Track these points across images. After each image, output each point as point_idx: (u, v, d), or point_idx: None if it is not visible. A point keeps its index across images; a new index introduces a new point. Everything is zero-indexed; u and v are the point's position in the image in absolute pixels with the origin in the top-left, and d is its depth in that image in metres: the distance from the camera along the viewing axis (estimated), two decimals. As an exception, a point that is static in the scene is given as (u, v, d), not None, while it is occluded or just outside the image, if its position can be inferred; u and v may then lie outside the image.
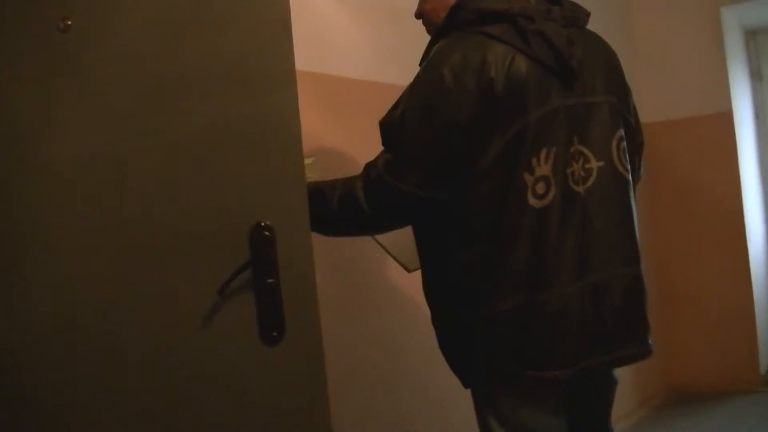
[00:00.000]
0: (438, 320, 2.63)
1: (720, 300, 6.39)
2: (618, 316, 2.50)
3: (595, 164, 2.49)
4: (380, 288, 3.81)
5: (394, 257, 2.97)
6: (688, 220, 6.34)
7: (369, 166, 2.52)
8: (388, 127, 2.52)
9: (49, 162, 2.05)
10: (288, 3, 2.22)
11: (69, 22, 2.02)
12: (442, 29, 2.58)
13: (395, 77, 3.86)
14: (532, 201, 2.39)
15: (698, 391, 6.28)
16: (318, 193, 2.51)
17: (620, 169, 2.56)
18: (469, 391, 2.61)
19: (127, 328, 2.04)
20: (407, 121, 2.44)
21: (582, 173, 2.47)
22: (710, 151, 6.33)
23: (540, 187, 2.40)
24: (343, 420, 3.34)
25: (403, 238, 2.82)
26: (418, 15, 2.80)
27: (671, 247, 6.38)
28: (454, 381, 2.60)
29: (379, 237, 2.93)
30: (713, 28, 6.48)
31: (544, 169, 2.40)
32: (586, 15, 2.64)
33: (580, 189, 2.46)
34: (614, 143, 2.55)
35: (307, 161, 2.73)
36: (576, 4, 2.65)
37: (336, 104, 3.51)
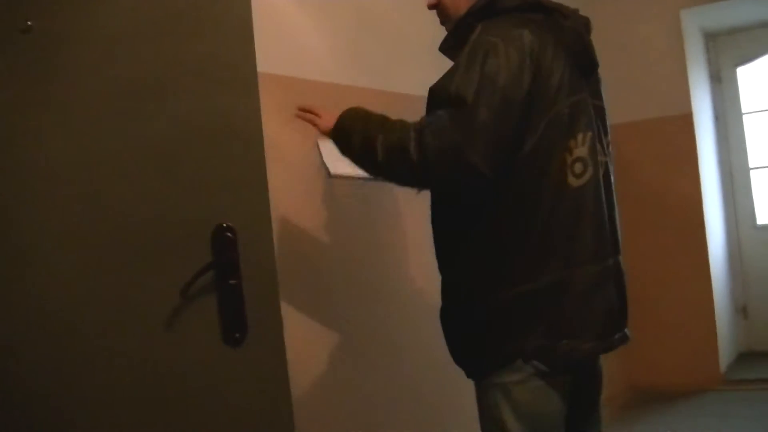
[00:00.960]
0: (458, 305, 2.62)
1: (681, 300, 6.43)
2: (621, 300, 2.64)
3: (603, 158, 2.61)
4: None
5: (322, 159, 3.22)
6: (649, 221, 6.37)
7: (427, 130, 2.43)
8: (448, 95, 2.45)
9: (9, 165, 2.05)
10: (250, 6, 2.23)
11: (30, 23, 2.01)
12: (481, 12, 2.61)
13: (356, 79, 3.88)
14: (570, 180, 2.49)
15: (660, 390, 6.32)
16: (376, 130, 2.58)
17: (611, 167, 2.69)
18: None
19: (90, 328, 2.04)
20: (478, 95, 2.39)
21: (601, 164, 2.59)
22: (671, 152, 6.38)
23: (578, 167, 2.50)
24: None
25: (342, 162, 2.89)
26: (434, 5, 2.80)
27: (632, 248, 6.38)
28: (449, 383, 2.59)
29: (325, 157, 3.20)
30: (673, 31, 6.53)
31: (581, 150, 2.51)
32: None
33: (600, 177, 2.57)
34: (606, 142, 2.68)
35: None
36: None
37: (296, 106, 3.51)
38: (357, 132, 2.60)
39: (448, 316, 2.67)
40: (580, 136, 2.52)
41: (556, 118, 2.48)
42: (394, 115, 3.73)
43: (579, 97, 2.54)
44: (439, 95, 2.47)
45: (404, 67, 4.25)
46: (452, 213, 2.61)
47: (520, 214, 2.46)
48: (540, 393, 2.51)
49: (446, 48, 2.75)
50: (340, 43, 3.84)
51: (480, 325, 2.53)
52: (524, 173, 2.44)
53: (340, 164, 3.08)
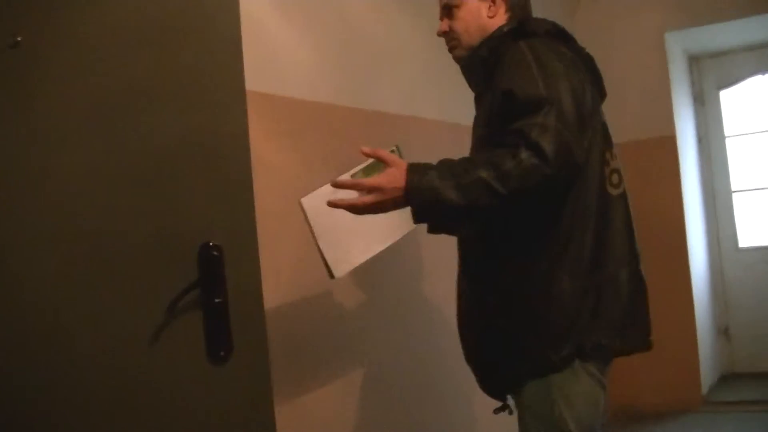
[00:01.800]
0: (507, 310, 2.56)
1: (663, 321, 6.39)
2: (647, 306, 2.74)
3: None
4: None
5: (324, 259, 2.89)
6: (632, 242, 6.37)
7: (530, 130, 2.35)
8: (538, 99, 2.40)
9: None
10: (239, 24, 2.24)
11: (19, 39, 2.01)
12: (514, 33, 2.67)
13: (344, 98, 3.89)
14: (609, 189, 2.61)
15: (642, 410, 6.32)
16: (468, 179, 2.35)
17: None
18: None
19: (75, 345, 2.02)
20: (561, 93, 2.43)
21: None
22: (654, 174, 6.41)
23: (614, 178, 2.64)
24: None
25: (340, 242, 2.83)
26: (444, 33, 2.83)
27: (615, 269, 6.41)
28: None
29: (319, 239, 2.86)
30: (658, 53, 6.57)
31: (615, 162, 2.66)
32: None
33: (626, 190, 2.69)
34: None
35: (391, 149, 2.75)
36: None
37: (285, 125, 3.52)
38: (443, 188, 2.32)
39: (479, 327, 2.65)
40: (613, 150, 2.67)
41: (597, 129, 2.60)
42: (376, 133, 3.75)
43: (602, 117, 2.68)
44: (524, 100, 2.41)
45: (388, 86, 4.27)
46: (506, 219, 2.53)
47: (576, 217, 2.52)
48: (596, 402, 2.55)
49: (474, 63, 2.76)
50: (326, 62, 3.86)
51: (533, 326, 2.52)
52: (581, 183, 2.51)
53: (340, 251, 2.91)
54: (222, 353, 2.14)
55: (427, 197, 2.33)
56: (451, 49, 2.85)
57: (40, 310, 2.01)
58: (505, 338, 2.57)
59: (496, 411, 2.75)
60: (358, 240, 2.91)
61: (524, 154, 2.31)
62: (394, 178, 2.37)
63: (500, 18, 2.75)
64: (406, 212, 2.73)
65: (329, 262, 2.87)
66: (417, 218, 2.43)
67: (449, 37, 2.82)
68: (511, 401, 2.70)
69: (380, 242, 2.97)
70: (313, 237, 2.85)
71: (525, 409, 2.58)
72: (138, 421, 2.09)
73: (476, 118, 2.78)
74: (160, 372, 2.10)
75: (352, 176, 2.80)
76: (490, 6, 2.75)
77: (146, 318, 2.08)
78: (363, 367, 3.87)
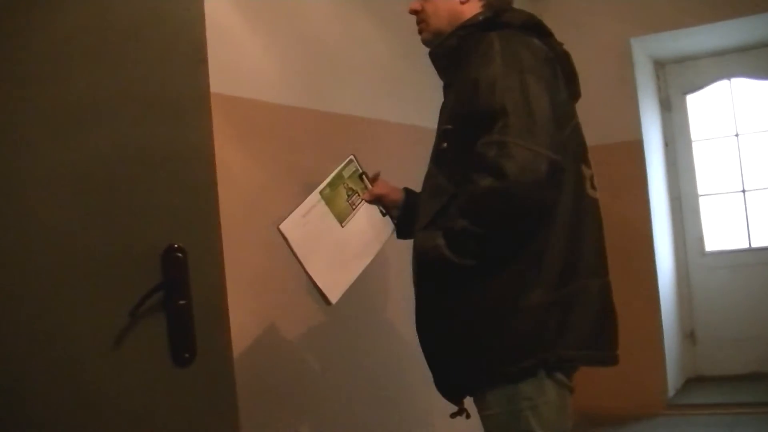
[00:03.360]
0: (462, 319, 2.52)
1: (629, 325, 6.42)
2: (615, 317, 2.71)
3: None
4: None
5: (318, 288, 2.87)
6: (599, 247, 6.40)
7: (488, 150, 2.35)
8: (493, 111, 2.39)
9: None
10: (204, 28, 2.23)
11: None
12: (486, 24, 2.63)
13: (307, 101, 3.90)
14: (589, 191, 2.58)
15: (607, 414, 6.34)
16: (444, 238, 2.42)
17: None
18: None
19: (36, 348, 2.01)
20: (532, 95, 2.40)
21: None
22: (620, 179, 6.44)
23: (595, 181, 2.63)
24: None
25: (326, 265, 2.80)
26: (415, 11, 2.81)
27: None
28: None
29: (307, 267, 2.84)
30: (623, 59, 6.63)
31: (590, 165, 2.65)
32: None
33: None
34: None
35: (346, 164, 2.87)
36: None
37: (249, 127, 3.53)
38: (439, 247, 2.42)
39: (441, 330, 2.60)
40: (589, 154, 2.65)
41: (575, 130, 2.59)
42: (340, 135, 3.75)
43: (576, 118, 2.65)
44: (483, 113, 2.41)
45: (351, 89, 4.30)
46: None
47: (553, 223, 2.47)
48: (563, 408, 2.54)
49: (442, 53, 2.73)
50: (290, 65, 3.87)
51: (497, 336, 2.47)
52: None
53: (329, 275, 2.87)
54: (186, 355, 2.13)
55: (431, 256, 2.46)
56: (419, 31, 2.83)
57: (0, 314, 2.00)
58: (465, 345, 2.53)
59: (453, 415, 2.74)
60: (342, 259, 2.90)
61: (485, 182, 2.32)
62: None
63: (473, 5, 2.71)
64: (380, 222, 2.76)
65: (323, 290, 2.85)
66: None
67: (419, 17, 2.80)
68: (469, 405, 2.68)
69: (362, 258, 2.95)
70: (301, 265, 2.84)
71: (488, 419, 2.56)
72: (101, 424, 2.08)
73: (443, 108, 2.76)
74: (123, 374, 2.09)
75: (324, 187, 2.85)
76: None
77: (110, 320, 2.07)
78: (326, 370, 3.88)
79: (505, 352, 2.46)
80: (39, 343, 2.00)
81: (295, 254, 2.83)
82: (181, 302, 2.11)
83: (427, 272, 2.55)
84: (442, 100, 2.77)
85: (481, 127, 2.38)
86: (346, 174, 2.96)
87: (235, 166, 3.38)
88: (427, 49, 2.81)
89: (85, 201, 2.07)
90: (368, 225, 2.88)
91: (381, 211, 2.95)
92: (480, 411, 2.58)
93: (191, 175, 2.20)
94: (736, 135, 7.31)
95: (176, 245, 2.12)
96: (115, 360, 2.08)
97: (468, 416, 2.69)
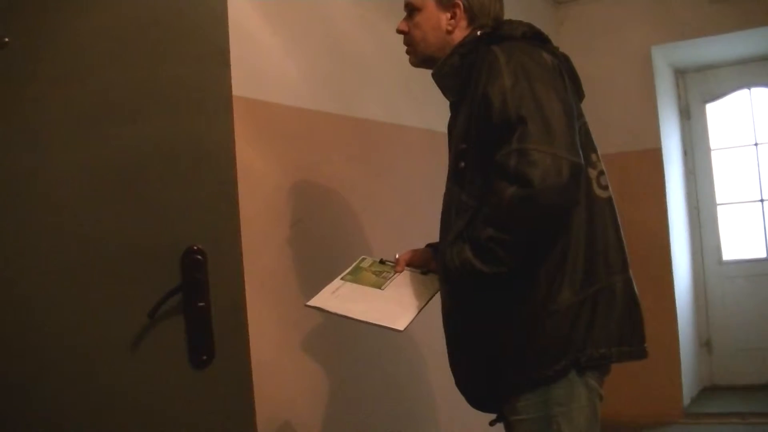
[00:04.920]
0: (499, 324, 2.51)
1: (646, 332, 6.45)
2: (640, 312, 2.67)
3: None
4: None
5: (380, 325, 2.67)
6: (616, 254, 6.37)
7: (509, 160, 2.34)
8: (509, 120, 2.38)
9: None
10: (227, 31, 2.24)
11: (6, 40, 2.01)
12: (488, 38, 2.62)
13: (326, 105, 3.90)
14: (598, 191, 2.57)
15: (623, 422, 6.31)
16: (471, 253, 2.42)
17: None
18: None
19: (56, 348, 2.02)
20: (544, 101, 2.39)
21: None
22: (639, 187, 6.43)
23: (603, 180, 2.60)
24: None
25: (378, 304, 2.72)
26: (403, 32, 2.79)
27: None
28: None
29: (356, 316, 2.67)
30: (644, 67, 6.60)
31: (601, 165, 2.63)
32: None
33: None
34: None
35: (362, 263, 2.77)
36: None
37: (269, 130, 3.53)
38: (470, 260, 2.41)
39: (471, 337, 2.60)
40: (597, 153, 2.64)
41: (582, 130, 2.56)
42: (361, 139, 3.75)
43: (584, 119, 2.63)
44: (499, 126, 2.40)
45: (372, 94, 4.30)
46: None
47: (570, 225, 2.48)
48: (594, 415, 2.53)
49: (446, 72, 2.70)
50: (312, 69, 3.88)
51: (529, 341, 2.47)
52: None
53: (388, 313, 2.69)
54: (204, 357, 2.14)
55: (461, 270, 2.44)
56: (407, 52, 2.82)
57: (22, 314, 2.01)
58: (497, 354, 2.53)
59: (492, 423, 2.73)
60: (397, 302, 2.73)
61: (510, 191, 2.31)
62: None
63: (461, 32, 2.69)
64: (424, 278, 2.74)
65: (384, 324, 2.66)
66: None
67: (406, 39, 2.79)
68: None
69: (420, 297, 2.75)
70: (350, 319, 2.69)
71: (518, 423, 2.53)
72: (118, 426, 2.09)
73: (452, 125, 2.76)
74: (141, 376, 2.10)
75: (342, 278, 2.82)
76: (450, 18, 2.69)
77: (129, 321, 2.08)
78: (345, 374, 3.87)
79: (537, 356, 2.46)
80: (58, 342, 2.02)
81: (338, 314, 2.71)
82: (200, 304, 2.12)
83: (458, 286, 2.55)
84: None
85: (498, 141, 2.38)
86: (364, 265, 2.88)
87: (256, 169, 3.38)
88: None
89: (105, 201, 2.09)
90: (412, 282, 2.81)
91: (421, 272, 2.86)
92: (510, 416, 2.57)
93: (212, 176, 2.20)
94: (756, 144, 7.27)
95: (196, 247, 2.13)
96: (133, 360, 2.09)
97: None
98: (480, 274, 2.38)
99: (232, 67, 2.25)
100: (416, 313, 2.68)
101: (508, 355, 2.51)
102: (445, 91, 2.75)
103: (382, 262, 2.91)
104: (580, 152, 2.40)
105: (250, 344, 2.23)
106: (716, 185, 7.39)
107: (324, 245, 3.72)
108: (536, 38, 2.63)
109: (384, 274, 2.84)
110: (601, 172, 2.61)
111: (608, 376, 2.61)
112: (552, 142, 2.33)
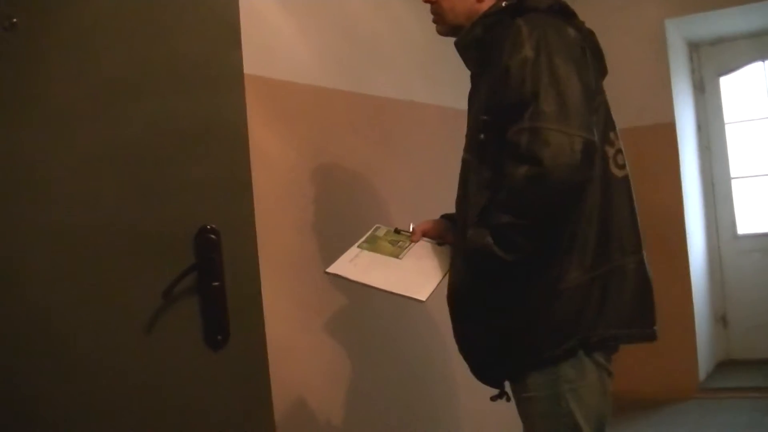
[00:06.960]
0: (510, 303, 2.50)
1: (661, 308, 6.43)
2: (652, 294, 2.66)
3: None
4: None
5: (402, 295, 2.69)
6: (631, 229, 6.37)
7: (521, 138, 2.33)
8: (523, 98, 2.37)
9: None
10: (238, 9, 2.22)
11: (14, 20, 1.99)
12: (512, 10, 2.58)
13: (339, 83, 3.89)
14: (614, 170, 2.55)
15: (639, 398, 6.32)
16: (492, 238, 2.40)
17: None
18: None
19: (70, 330, 2.01)
20: (561, 76, 2.37)
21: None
22: (653, 161, 6.40)
23: (620, 158, 2.58)
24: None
25: (398, 273, 2.73)
26: (430, 1, 2.75)
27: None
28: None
29: (377, 284, 2.70)
30: (658, 41, 6.56)
31: (619, 143, 2.61)
32: None
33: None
34: None
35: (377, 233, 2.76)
36: None
37: (280, 107, 3.52)
38: (491, 245, 2.39)
39: (479, 314, 2.58)
40: (616, 131, 2.62)
41: (600, 108, 2.54)
42: (374, 117, 3.73)
43: (604, 96, 2.62)
44: (515, 101, 2.39)
45: (385, 71, 4.28)
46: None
47: (582, 204, 2.45)
48: (604, 392, 2.56)
49: (469, 42, 2.68)
50: (324, 47, 3.86)
51: (539, 320, 2.47)
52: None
53: (411, 283, 2.71)
54: (219, 337, 2.13)
55: (482, 254, 2.41)
56: (434, 21, 2.79)
57: (37, 294, 2.01)
58: (506, 333, 2.53)
59: (494, 398, 2.73)
60: (417, 271, 2.74)
61: (521, 170, 2.30)
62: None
63: (490, 1, 2.67)
64: (441, 249, 2.73)
65: (406, 294, 2.68)
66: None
67: (434, 8, 2.76)
68: (508, 388, 2.68)
69: (439, 269, 2.75)
70: (370, 287, 2.72)
71: (527, 401, 2.55)
72: (134, 406, 2.08)
73: (473, 96, 2.75)
74: (156, 356, 2.09)
75: (359, 246, 2.84)
76: None
77: (143, 302, 2.07)
78: (360, 354, 3.87)
79: (547, 335, 2.46)
80: (73, 322, 2.01)
81: (358, 282, 2.72)
82: (215, 284, 2.11)
83: (479, 268, 2.53)
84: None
85: (513, 116, 2.36)
86: (379, 234, 2.89)
87: (269, 147, 3.37)
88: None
89: (117, 181, 2.08)
90: (429, 253, 2.81)
91: (438, 243, 2.87)
92: (518, 394, 2.58)
93: (224, 155, 2.19)
94: (771, 117, 7.22)
95: (209, 226, 2.12)
96: (149, 341, 2.09)
97: (509, 399, 2.68)
98: (501, 261, 2.38)
99: (243, 45, 2.23)
100: (437, 284, 2.69)
101: (518, 333, 2.51)
102: (467, 61, 2.75)
103: (396, 231, 2.92)
104: (594, 130, 2.37)
105: (266, 324, 2.22)
106: (731, 159, 7.36)
107: (338, 223, 3.71)
108: (562, 12, 2.59)
109: (400, 243, 2.85)
110: (619, 151, 2.58)
111: (616, 353, 2.60)
112: (565, 119, 2.31)
